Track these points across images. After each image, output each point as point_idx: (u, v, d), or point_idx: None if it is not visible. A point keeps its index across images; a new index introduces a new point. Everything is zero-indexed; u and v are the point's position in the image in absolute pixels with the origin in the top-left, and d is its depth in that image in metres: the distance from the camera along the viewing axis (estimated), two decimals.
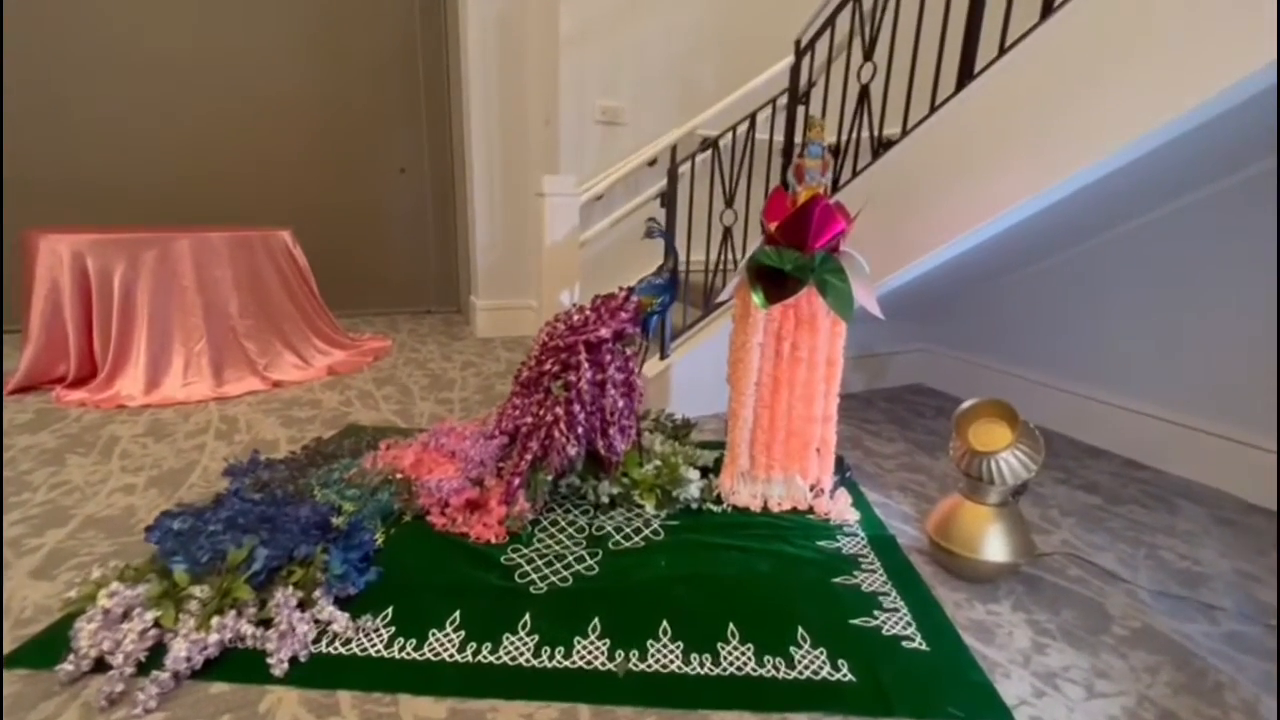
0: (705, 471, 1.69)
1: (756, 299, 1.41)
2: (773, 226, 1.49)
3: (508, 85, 3.07)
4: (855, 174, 1.89)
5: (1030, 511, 1.58)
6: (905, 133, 1.73)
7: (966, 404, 1.32)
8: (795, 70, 2.07)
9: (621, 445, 1.55)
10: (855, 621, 1.17)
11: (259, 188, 3.45)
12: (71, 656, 0.98)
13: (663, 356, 2.14)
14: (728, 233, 2.13)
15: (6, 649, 1.03)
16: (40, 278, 2.21)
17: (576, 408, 1.46)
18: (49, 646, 1.03)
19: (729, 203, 2.12)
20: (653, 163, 2.69)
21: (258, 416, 2.11)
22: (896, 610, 1.20)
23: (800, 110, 2.11)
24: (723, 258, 2.15)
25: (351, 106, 3.54)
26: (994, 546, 1.24)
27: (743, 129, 2.13)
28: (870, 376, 2.63)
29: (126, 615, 1.06)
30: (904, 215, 1.76)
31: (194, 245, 2.30)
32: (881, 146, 1.83)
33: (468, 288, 3.63)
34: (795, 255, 1.45)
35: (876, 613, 1.19)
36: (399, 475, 1.56)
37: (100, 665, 0.99)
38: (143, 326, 2.24)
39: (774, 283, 1.44)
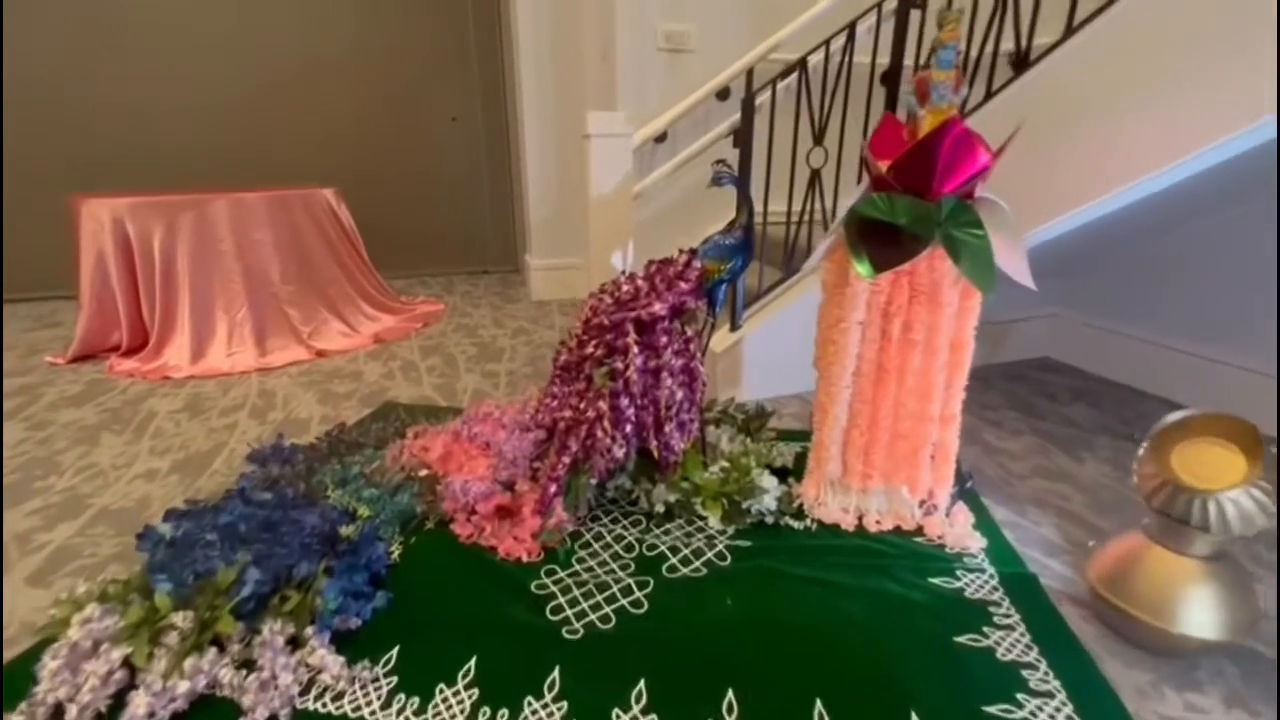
0: (784, 474, 1.39)
1: (859, 266, 1.06)
2: (883, 165, 1.12)
3: (561, 16, 2.72)
4: (989, 95, 1.46)
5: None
6: (1070, 31, 1.27)
7: (1176, 416, 0.94)
8: None
9: (680, 444, 1.27)
10: (992, 710, 0.86)
11: (305, 145, 3.32)
12: (24, 705, 0.84)
13: (734, 327, 1.82)
14: (815, 177, 1.75)
15: None
16: (86, 244, 2.15)
17: (624, 401, 1.18)
18: (13, 682, 0.89)
19: (818, 139, 1.73)
20: (724, 95, 2.29)
21: (296, 390, 1.98)
22: (1050, 695, 0.88)
23: (915, 17, 1.65)
24: (809, 207, 1.77)
25: (398, 53, 3.30)
26: (1198, 617, 0.88)
27: (837, 45, 1.70)
28: (986, 349, 2.19)
29: (96, 649, 0.91)
30: (1057, 149, 1.33)
31: (230, 207, 2.17)
32: (1023, 61, 1.38)
33: (525, 245, 3.40)
34: (913, 204, 1.08)
35: (1022, 697, 0.88)
36: (424, 472, 1.36)
37: (59, 714, 0.84)
38: (185, 293, 2.15)
39: (883, 242, 1.09)
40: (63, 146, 3.01)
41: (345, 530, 1.16)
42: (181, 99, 3.11)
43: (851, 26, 1.67)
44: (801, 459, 1.46)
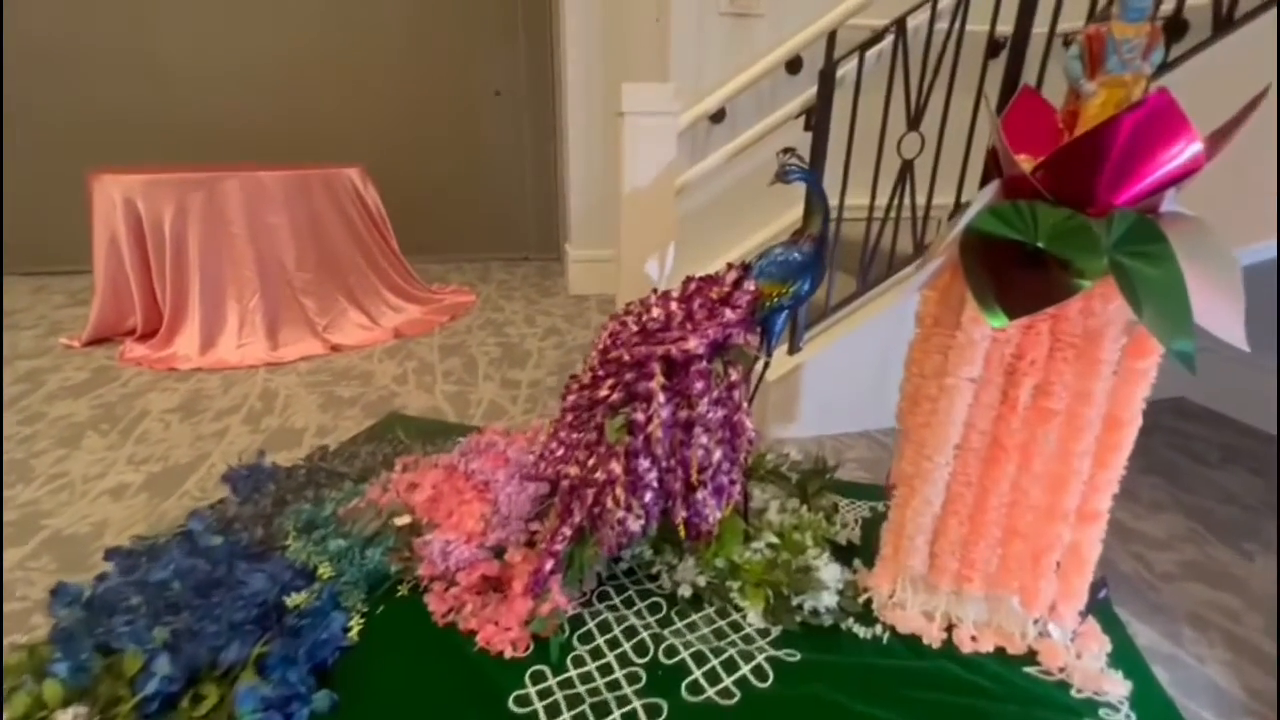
0: (849, 551, 1.09)
1: (984, 309, 0.74)
2: (1023, 160, 0.79)
3: None
4: (1166, 65, 1.08)
5: None
6: None
7: None
8: None
9: (715, 512, 0.99)
10: None
11: (338, 117, 3.15)
12: None
13: (792, 350, 1.51)
14: (908, 169, 1.40)
15: None
16: (99, 224, 2.03)
17: (644, 463, 0.91)
18: None
19: (914, 123, 1.38)
20: (796, 67, 1.94)
21: (299, 393, 1.80)
22: None
23: None
24: (897, 202, 1.43)
25: (440, 21, 3.07)
26: None
27: (945, 5, 1.35)
28: None
29: None
30: (1267, 144, 0.95)
31: (243, 186, 2.00)
32: (1228, 17, 0.99)
33: (565, 234, 3.15)
34: (1066, 218, 0.75)
35: None
36: (406, 520, 1.13)
37: None
38: (195, 279, 2.01)
39: (1019, 273, 0.76)
40: (91, 114, 2.93)
41: (294, 599, 0.95)
42: (211, 65, 2.98)
43: None
44: (871, 527, 1.15)
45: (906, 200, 1.43)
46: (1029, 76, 1.33)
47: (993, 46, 1.40)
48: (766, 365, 1.02)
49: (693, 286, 1.01)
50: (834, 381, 1.53)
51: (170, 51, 2.94)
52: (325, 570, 1.02)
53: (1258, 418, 1.65)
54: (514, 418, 1.66)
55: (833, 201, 1.41)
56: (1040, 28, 1.30)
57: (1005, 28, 1.35)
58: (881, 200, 1.43)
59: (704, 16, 1.94)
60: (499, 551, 1.04)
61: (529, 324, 2.43)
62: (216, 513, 1.13)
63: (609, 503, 0.91)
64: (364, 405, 1.73)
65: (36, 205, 2.97)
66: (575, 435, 1.01)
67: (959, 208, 1.48)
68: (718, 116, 1.93)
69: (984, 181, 1.44)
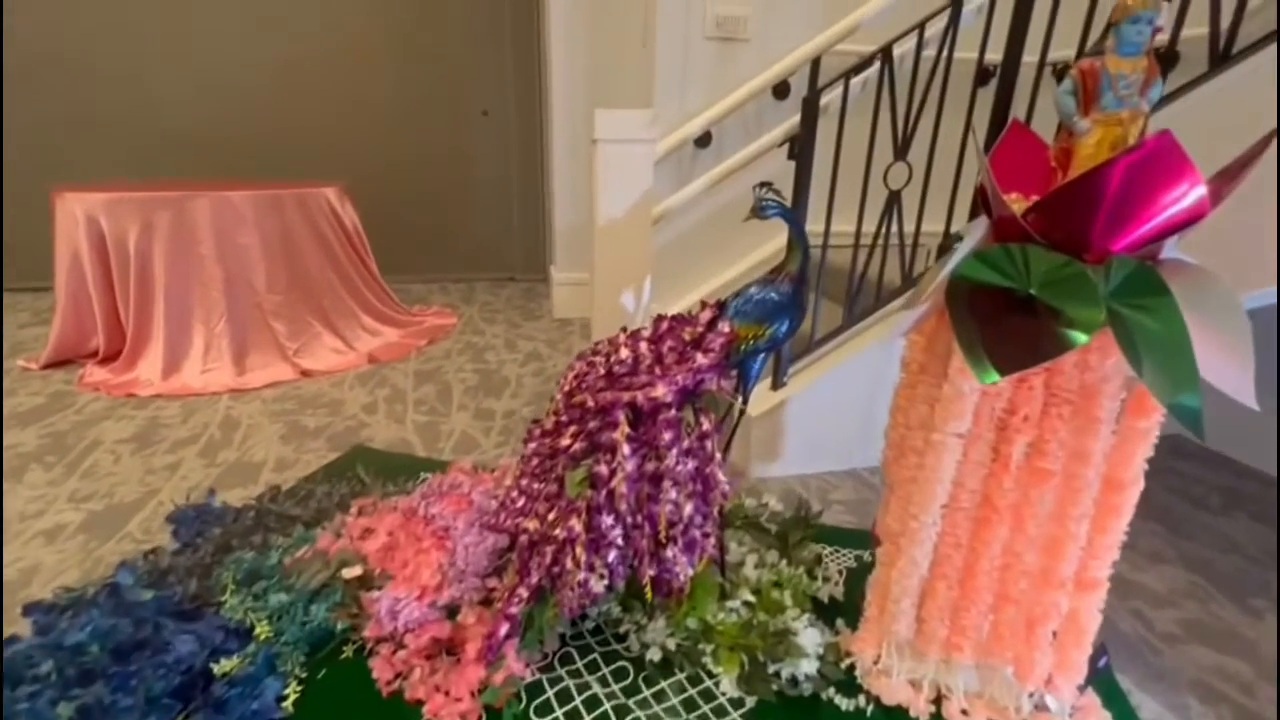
0: (832, 609, 1.02)
1: (973, 364, 0.68)
2: (1013, 200, 0.74)
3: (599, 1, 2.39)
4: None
5: None
6: None
7: None
8: None
9: (688, 567, 0.92)
10: None
11: (325, 135, 3.10)
12: None
13: (776, 385, 1.44)
14: (895, 200, 1.35)
15: None
16: (61, 242, 1.96)
17: (608, 519, 0.84)
18: None
19: (901, 152, 1.33)
20: (783, 92, 1.91)
21: (262, 422, 1.72)
22: None
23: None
24: (883, 232, 1.38)
25: (427, 38, 3.04)
26: None
27: (933, 32, 1.31)
28: None
29: None
30: (1265, 187, 0.90)
31: (213, 206, 1.93)
32: (1225, 52, 0.95)
33: (550, 255, 3.09)
34: (1061, 264, 0.69)
35: None
36: (356, 571, 1.05)
37: None
38: (160, 301, 1.93)
39: (1010, 324, 0.70)
40: (64, 124, 2.85)
41: (224, 665, 0.86)
42: (190, 80, 2.92)
43: (956, 5, 1.26)
44: (855, 581, 1.08)
45: (894, 228, 1.38)
46: (1019, 105, 1.29)
47: (982, 75, 1.36)
48: (742, 413, 0.96)
49: (664, 326, 0.95)
50: (819, 418, 1.46)
51: (147, 62, 2.87)
52: (263, 629, 0.94)
53: (1257, 458, 1.59)
54: (485, 451, 1.59)
55: (818, 227, 1.37)
56: (1031, 56, 1.26)
57: (995, 55, 1.31)
58: (868, 228, 1.37)
59: (689, 40, 1.90)
60: (452, 611, 0.96)
61: (509, 349, 2.36)
62: (149, 563, 1.05)
63: (569, 563, 0.84)
64: (329, 437, 1.65)
65: (6, 217, 2.89)
66: (537, 485, 0.94)
67: (948, 237, 1.44)
68: (703, 141, 1.89)
69: (973, 213, 1.40)
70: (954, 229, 1.43)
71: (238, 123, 3.01)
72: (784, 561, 1.04)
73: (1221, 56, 0.93)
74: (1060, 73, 1.87)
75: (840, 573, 1.13)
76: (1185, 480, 1.51)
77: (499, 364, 2.20)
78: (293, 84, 3.01)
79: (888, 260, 1.42)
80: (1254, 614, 1.10)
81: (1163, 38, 1.15)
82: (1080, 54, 1.19)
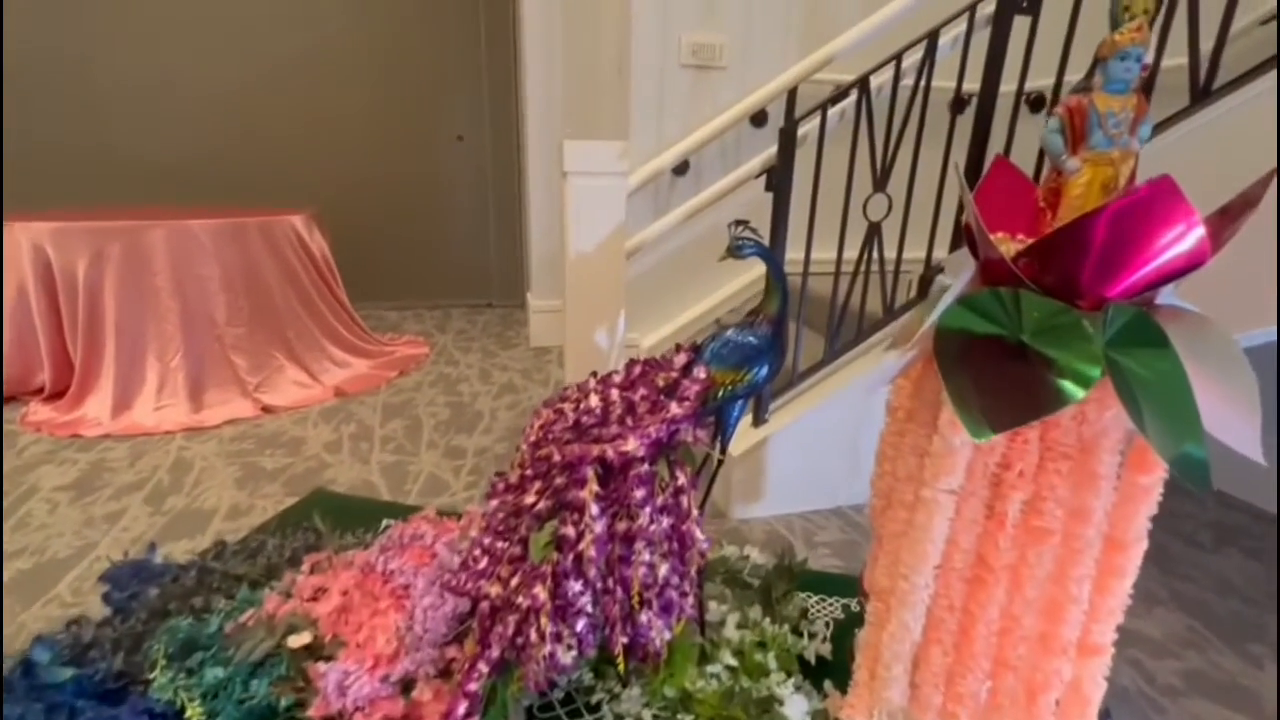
0: (820, 668, 0.95)
1: (964, 420, 0.63)
2: (1000, 240, 0.70)
3: (575, 22, 2.37)
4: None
5: None
6: None
7: None
8: None
9: (665, 631, 0.85)
10: None
11: (294, 160, 3.03)
12: None
13: (757, 421, 1.39)
14: (875, 231, 1.32)
15: None
16: (5, 272, 1.85)
17: (575, 586, 0.77)
18: None
19: (880, 183, 1.30)
20: (761, 120, 1.89)
21: (216, 464, 1.63)
22: None
23: (1020, 26, 1.23)
24: (865, 261, 1.34)
25: (401, 63, 3.00)
26: None
27: (910, 63, 1.29)
28: None
29: None
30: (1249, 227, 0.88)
31: (170, 235, 1.85)
32: (1205, 88, 0.93)
33: (527, 282, 3.04)
34: (1052, 310, 0.65)
35: None
36: (304, 639, 0.96)
37: None
38: (110, 335, 1.83)
39: (1002, 375, 0.65)
40: (21, 146, 2.75)
41: None
42: (154, 103, 2.85)
43: (932, 37, 1.25)
44: (844, 635, 1.02)
45: (875, 256, 1.35)
46: (997, 134, 1.27)
47: (959, 103, 1.34)
48: (721, 462, 0.90)
49: (637, 371, 0.89)
50: (803, 456, 1.41)
51: (112, 81, 2.79)
52: (195, 711, 0.85)
53: (1245, 490, 1.57)
54: (454, 494, 1.51)
55: (798, 254, 1.33)
56: (1009, 84, 1.25)
57: (972, 84, 1.30)
58: (849, 255, 1.34)
59: (664, 68, 1.88)
60: (408, 685, 0.88)
61: (484, 380, 2.29)
62: (71, 635, 0.95)
63: (533, 635, 0.76)
64: (288, 479, 1.56)
65: None
66: (500, 544, 0.87)
67: (929, 267, 1.41)
68: (680, 169, 1.86)
69: (954, 242, 1.38)
70: (935, 257, 1.40)
71: (205, 148, 2.93)
72: (768, 619, 0.98)
73: (1202, 91, 0.92)
74: (1036, 102, 1.88)
75: (828, 625, 1.07)
76: (1176, 516, 1.48)
77: (472, 397, 2.12)
78: (264, 107, 2.94)
79: (869, 289, 1.39)
80: (1254, 661, 1.05)
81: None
82: (1059, 83, 1.17)
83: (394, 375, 2.28)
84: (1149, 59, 0.64)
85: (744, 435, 1.38)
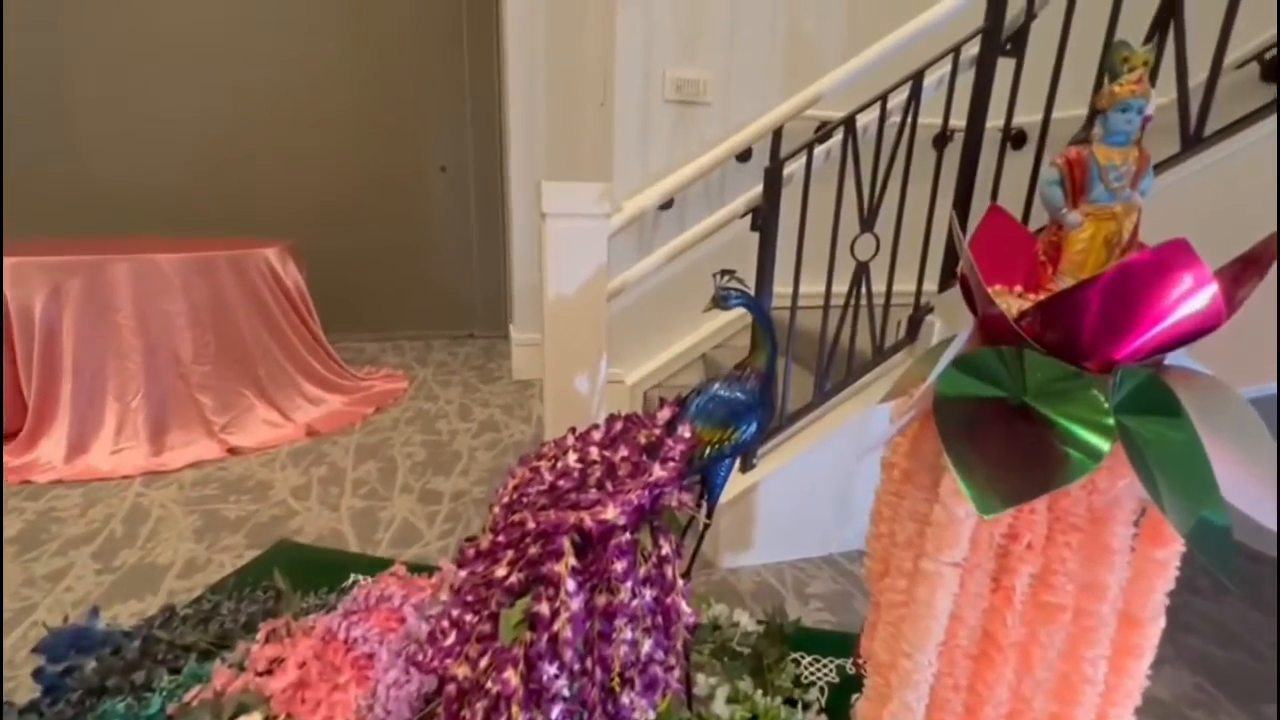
0: None
1: (968, 492, 0.59)
2: (998, 293, 0.66)
3: (557, 54, 2.37)
4: None
5: None
6: None
7: None
8: None
9: (647, 712, 0.78)
10: None
11: (275, 189, 2.98)
12: None
13: (745, 468, 1.34)
14: (863, 271, 1.29)
15: None
16: None
17: (550, 669, 0.70)
18: None
19: (867, 224, 1.28)
20: (746, 156, 1.88)
21: (175, 512, 1.53)
22: None
23: (1005, 68, 1.22)
24: (854, 301, 1.31)
25: (384, 92, 2.98)
26: None
27: (895, 102, 1.28)
28: None
29: None
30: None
31: (134, 270, 1.77)
32: (1197, 134, 0.92)
33: (510, 314, 2.99)
34: (1059, 374, 0.61)
35: None
36: None
37: None
38: (68, 373, 1.74)
39: (1008, 443, 0.61)
40: None
41: None
42: (132, 132, 2.78)
43: (917, 78, 1.24)
44: (839, 696, 0.96)
45: (864, 291, 1.31)
46: (983, 170, 1.26)
47: (944, 139, 1.33)
48: (707, 525, 0.84)
49: (618, 427, 0.84)
50: (793, 501, 1.36)
51: (87, 109, 2.72)
52: None
53: (1243, 533, 1.53)
54: (427, 544, 1.43)
55: (786, 289, 1.29)
56: (995, 119, 1.24)
57: (958, 120, 1.29)
58: (838, 290, 1.30)
59: (648, 103, 1.87)
60: None
61: (463, 417, 2.22)
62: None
63: None
64: (251, 530, 1.47)
65: None
66: (469, 618, 0.80)
67: (918, 306, 1.38)
68: (666, 204, 1.83)
69: (943, 281, 1.35)
70: (924, 291, 1.38)
71: (183, 178, 2.87)
72: (759, 691, 0.91)
73: (1194, 139, 0.90)
74: (1017, 139, 1.89)
75: (822, 690, 1.01)
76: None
77: (451, 435, 2.05)
78: (245, 136, 2.90)
79: (859, 326, 1.35)
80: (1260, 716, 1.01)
81: None
82: (1047, 119, 1.16)
83: (370, 412, 2.20)
84: (1150, 110, 0.62)
85: (732, 481, 1.32)
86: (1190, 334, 0.58)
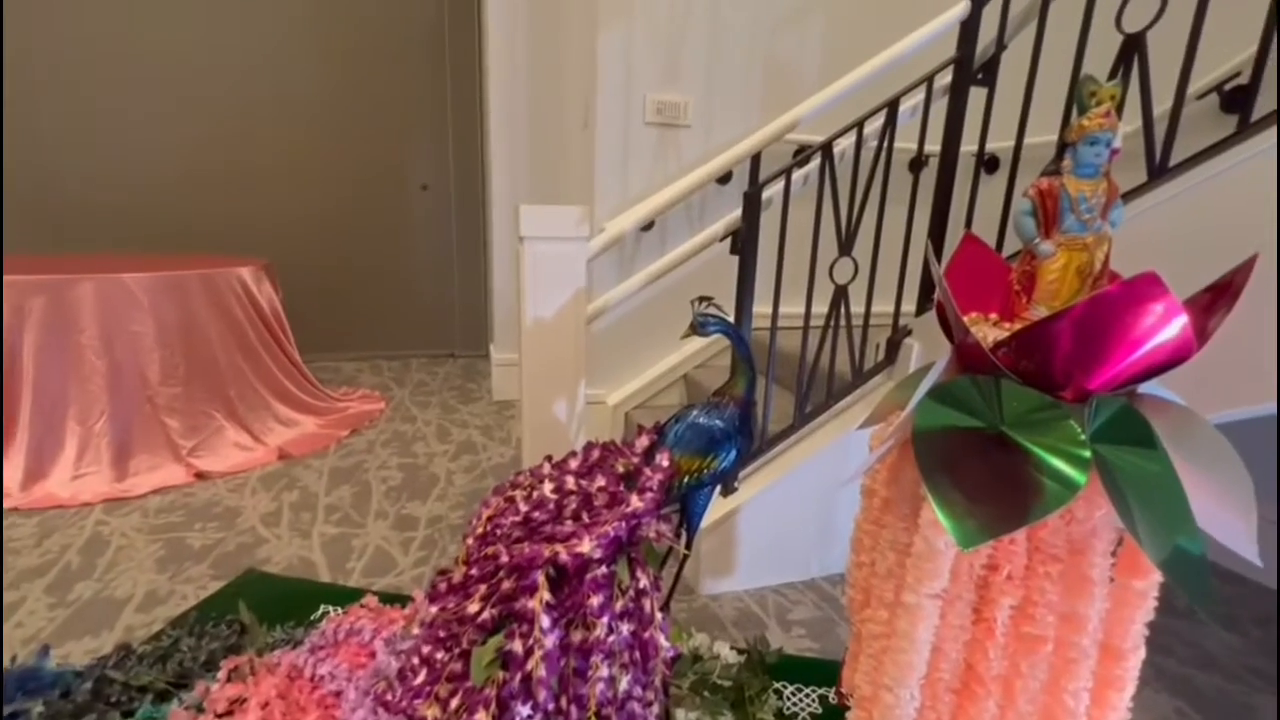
0: None
1: (948, 523, 0.58)
2: (973, 321, 0.66)
3: (539, 75, 2.38)
4: None
5: None
6: (1248, 127, 0.84)
7: None
8: (970, 24, 1.22)
9: None
10: None
11: (254, 208, 2.93)
12: None
13: (726, 492, 1.33)
14: (842, 294, 1.30)
15: None
16: None
17: (523, 710, 0.68)
18: None
19: (845, 247, 1.29)
20: (726, 179, 1.89)
21: (137, 541, 1.48)
22: None
23: (978, 96, 1.25)
24: (833, 324, 1.31)
25: (364, 110, 2.96)
26: None
27: (871, 128, 1.30)
28: None
29: None
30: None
31: (99, 290, 1.72)
32: (1162, 165, 0.94)
33: (490, 334, 2.96)
34: (1036, 404, 0.61)
35: None
36: None
37: None
38: (27, 396, 1.68)
39: (986, 474, 0.61)
40: None
41: None
42: (108, 148, 2.73)
43: (893, 106, 1.26)
44: None
45: (843, 312, 1.32)
46: (958, 193, 1.28)
47: (919, 163, 1.35)
48: (686, 556, 0.82)
49: (595, 455, 0.83)
50: (774, 525, 1.34)
51: (59, 124, 2.66)
52: None
53: (1215, 552, 1.55)
54: (401, 572, 1.39)
55: (765, 309, 1.29)
56: (969, 144, 1.26)
57: (933, 145, 1.31)
58: (817, 310, 1.30)
59: (629, 125, 1.88)
60: None
61: (441, 439, 2.18)
62: None
63: None
64: (216, 559, 1.42)
65: None
66: (440, 655, 0.77)
67: (895, 328, 1.39)
68: (646, 225, 1.83)
69: (920, 304, 1.37)
70: (902, 312, 1.39)
71: (159, 195, 2.82)
72: None
73: (1160, 169, 0.92)
74: (990, 163, 1.93)
75: None
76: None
77: (428, 458, 2.01)
78: (223, 154, 2.85)
79: (838, 348, 1.35)
80: None
81: None
82: (1019, 143, 1.18)
83: (345, 434, 2.16)
84: (1118, 143, 0.63)
85: (714, 505, 1.31)
86: (1162, 364, 0.59)
